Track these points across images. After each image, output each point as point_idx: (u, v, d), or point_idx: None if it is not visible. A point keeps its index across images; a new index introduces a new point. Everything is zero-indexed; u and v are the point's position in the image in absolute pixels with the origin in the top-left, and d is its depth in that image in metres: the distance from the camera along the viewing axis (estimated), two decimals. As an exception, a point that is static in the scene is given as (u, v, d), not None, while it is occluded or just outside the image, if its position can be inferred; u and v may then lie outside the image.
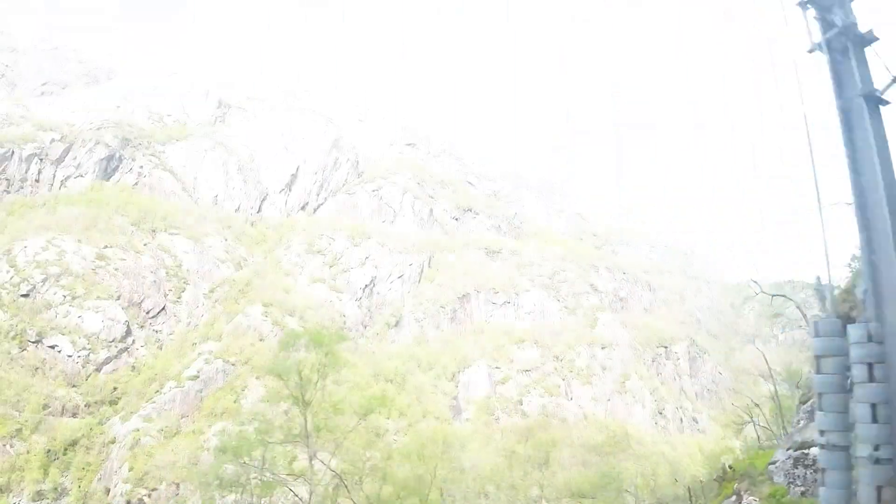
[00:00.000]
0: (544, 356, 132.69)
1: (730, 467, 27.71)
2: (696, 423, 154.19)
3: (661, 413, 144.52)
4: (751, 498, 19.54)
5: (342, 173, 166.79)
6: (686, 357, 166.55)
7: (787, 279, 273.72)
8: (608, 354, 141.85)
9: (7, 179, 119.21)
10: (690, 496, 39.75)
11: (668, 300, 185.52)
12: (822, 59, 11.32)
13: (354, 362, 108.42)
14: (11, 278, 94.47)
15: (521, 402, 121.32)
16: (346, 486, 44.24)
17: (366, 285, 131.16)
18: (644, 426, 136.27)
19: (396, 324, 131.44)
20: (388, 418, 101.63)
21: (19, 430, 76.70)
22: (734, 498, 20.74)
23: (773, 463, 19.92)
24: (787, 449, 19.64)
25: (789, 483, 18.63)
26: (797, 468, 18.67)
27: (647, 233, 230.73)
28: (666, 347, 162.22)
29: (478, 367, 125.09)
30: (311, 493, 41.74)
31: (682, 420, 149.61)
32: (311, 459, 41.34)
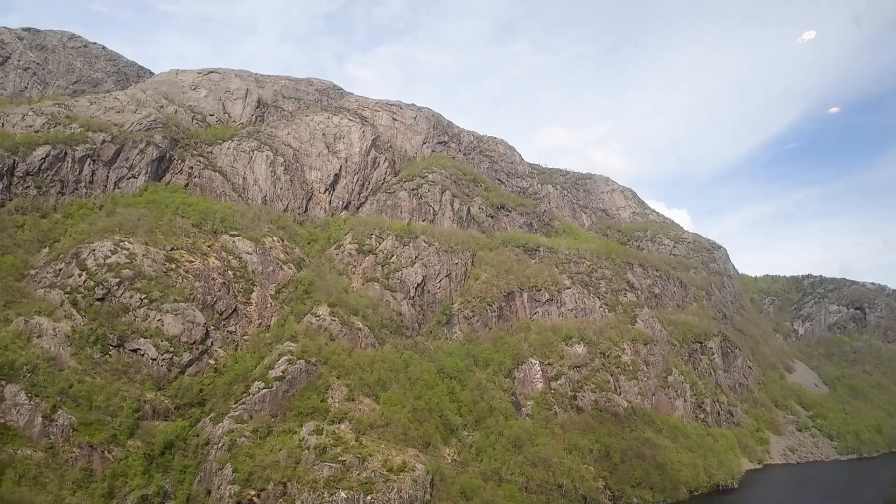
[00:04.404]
0: (591, 352, 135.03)
1: None
2: (732, 416, 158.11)
3: (700, 406, 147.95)
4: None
5: (380, 172, 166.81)
6: (719, 352, 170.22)
7: (804, 273, 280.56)
8: (650, 350, 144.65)
9: (61, 181, 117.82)
10: None
11: (697, 296, 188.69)
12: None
13: (419, 360, 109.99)
14: (85, 282, 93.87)
15: (574, 398, 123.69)
16: None
17: (418, 284, 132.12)
18: (686, 419, 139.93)
19: (448, 322, 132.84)
20: (458, 414, 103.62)
21: (115, 436, 76.72)
22: None
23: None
24: None
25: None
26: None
27: (669, 229, 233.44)
28: (701, 343, 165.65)
29: (531, 364, 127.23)
30: None
31: (719, 413, 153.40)
32: None
